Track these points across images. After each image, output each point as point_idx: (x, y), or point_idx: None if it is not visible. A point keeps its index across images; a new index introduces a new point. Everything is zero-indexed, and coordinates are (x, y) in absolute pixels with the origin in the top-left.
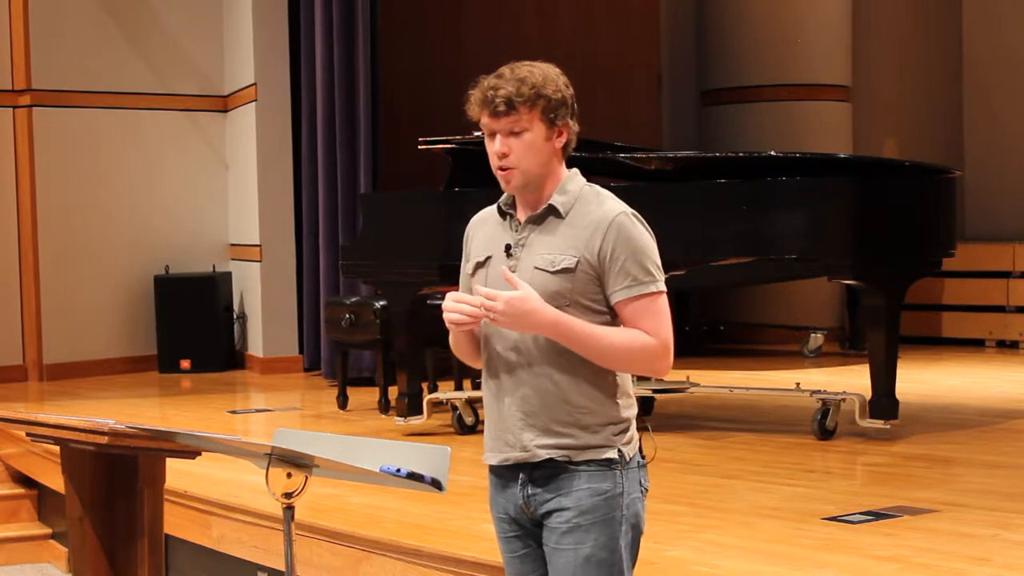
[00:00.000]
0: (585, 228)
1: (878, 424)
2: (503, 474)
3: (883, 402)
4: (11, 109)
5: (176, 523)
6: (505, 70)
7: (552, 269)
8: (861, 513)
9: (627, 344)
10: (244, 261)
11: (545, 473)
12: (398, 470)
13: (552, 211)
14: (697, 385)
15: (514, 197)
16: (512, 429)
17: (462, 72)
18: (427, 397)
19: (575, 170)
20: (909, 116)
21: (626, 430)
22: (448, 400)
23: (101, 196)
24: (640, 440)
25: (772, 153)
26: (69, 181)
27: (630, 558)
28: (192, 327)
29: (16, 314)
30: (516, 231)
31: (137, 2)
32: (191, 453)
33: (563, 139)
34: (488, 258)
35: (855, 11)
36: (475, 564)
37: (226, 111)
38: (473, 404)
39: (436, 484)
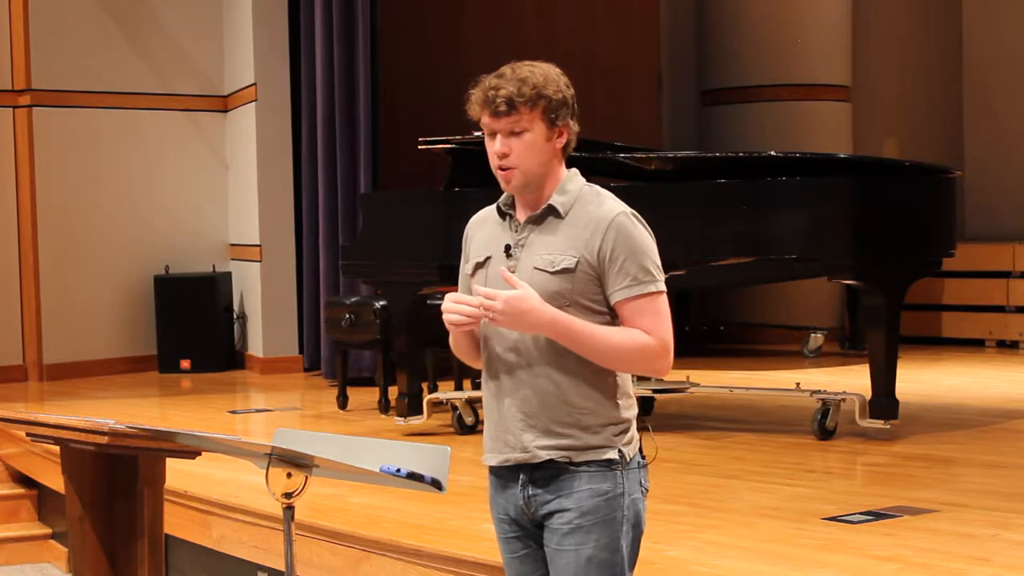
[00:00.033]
0: (585, 228)
1: (878, 424)
2: (503, 475)
3: (883, 402)
4: (11, 109)
5: (176, 523)
6: (506, 70)
7: (552, 269)
8: (861, 513)
9: (627, 344)
10: (244, 261)
11: (546, 474)
12: (398, 470)
13: (552, 211)
14: (697, 385)
15: (514, 197)
16: (512, 430)
17: (462, 72)
18: (427, 397)
19: (575, 170)
20: (909, 116)
21: (626, 430)
22: (448, 400)
23: (101, 196)
24: (640, 440)
25: (772, 153)
26: (69, 181)
27: (631, 558)
28: (192, 327)
29: (16, 314)
30: (516, 231)
31: (137, 2)
32: (191, 453)
33: (563, 139)
34: (488, 258)
35: (855, 11)
36: (475, 564)
37: (226, 111)
38: (473, 404)
39: (436, 484)
